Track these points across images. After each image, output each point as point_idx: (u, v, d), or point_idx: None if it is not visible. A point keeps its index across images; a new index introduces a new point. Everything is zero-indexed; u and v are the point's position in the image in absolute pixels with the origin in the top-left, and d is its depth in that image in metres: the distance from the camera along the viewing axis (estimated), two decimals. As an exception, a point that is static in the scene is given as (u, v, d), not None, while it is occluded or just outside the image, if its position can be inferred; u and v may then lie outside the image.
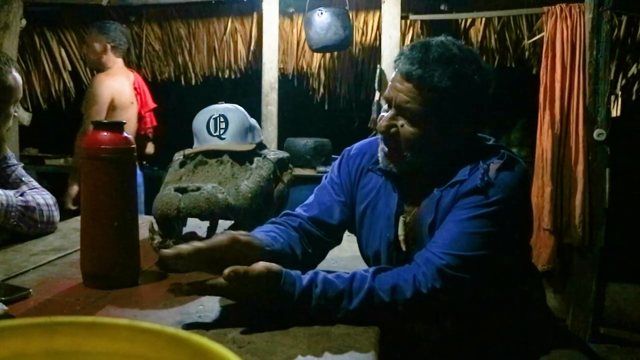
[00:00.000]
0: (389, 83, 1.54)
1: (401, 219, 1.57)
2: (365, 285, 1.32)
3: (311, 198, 1.71)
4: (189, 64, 4.83)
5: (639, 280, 3.93)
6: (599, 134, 3.51)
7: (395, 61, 1.53)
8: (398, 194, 1.59)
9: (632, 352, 3.37)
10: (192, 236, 1.61)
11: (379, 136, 1.57)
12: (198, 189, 1.59)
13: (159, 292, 1.39)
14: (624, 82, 4.05)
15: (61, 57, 4.81)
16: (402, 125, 1.49)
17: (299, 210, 1.67)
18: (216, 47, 4.72)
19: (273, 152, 1.94)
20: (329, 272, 1.36)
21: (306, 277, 1.31)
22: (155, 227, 1.60)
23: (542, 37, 3.81)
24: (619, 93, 4.15)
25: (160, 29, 4.78)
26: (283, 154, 1.98)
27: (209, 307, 1.30)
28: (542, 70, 3.68)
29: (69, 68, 4.84)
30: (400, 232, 1.57)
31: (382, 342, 1.23)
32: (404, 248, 1.56)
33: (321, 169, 4.18)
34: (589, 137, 3.54)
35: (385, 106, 1.56)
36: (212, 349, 0.46)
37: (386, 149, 1.55)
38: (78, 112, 3.90)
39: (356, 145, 1.75)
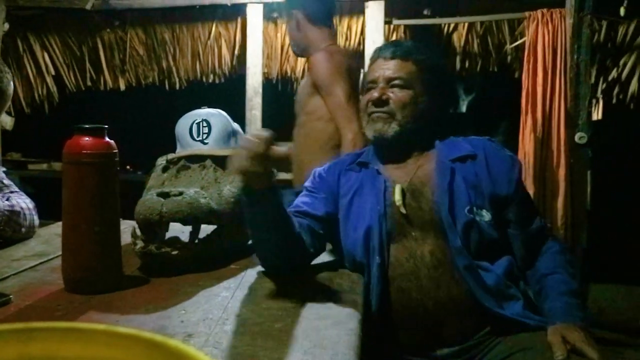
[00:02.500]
0: (370, 72, 1.86)
1: (397, 186, 1.73)
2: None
3: (303, 199, 1.84)
4: (173, 69, 4.81)
5: (621, 281, 3.97)
6: (580, 137, 3.54)
7: (373, 56, 1.89)
8: (383, 175, 1.78)
9: (615, 352, 3.40)
10: (175, 241, 1.60)
11: (367, 111, 1.83)
12: (180, 193, 1.59)
13: (141, 297, 1.39)
14: (604, 85, 4.09)
15: (44, 61, 4.78)
16: (392, 92, 1.78)
17: (291, 208, 1.78)
18: (200, 51, 4.71)
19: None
20: None
21: None
22: (138, 231, 1.60)
23: (524, 41, 3.84)
24: (600, 97, 4.20)
25: (144, 33, 4.75)
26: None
27: (191, 311, 1.30)
28: (524, 75, 3.70)
29: (53, 72, 4.81)
30: (398, 197, 1.71)
31: (365, 347, 1.24)
32: (403, 211, 1.70)
33: (305, 173, 4.17)
34: (570, 140, 3.57)
35: (369, 86, 1.84)
36: (189, 353, 0.47)
37: (376, 115, 1.79)
38: (62, 116, 3.87)
39: (326, 164, 1.96)
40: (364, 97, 1.86)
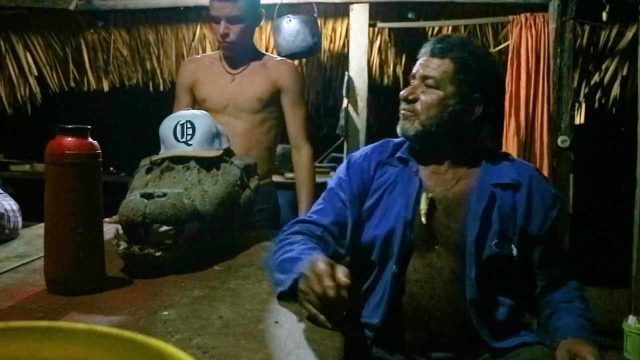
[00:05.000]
0: (415, 67, 1.78)
1: (424, 195, 1.68)
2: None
3: (321, 203, 1.82)
4: (157, 70, 4.80)
5: (603, 284, 4.00)
6: (562, 140, 3.57)
7: (421, 50, 1.78)
8: (418, 178, 1.73)
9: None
10: (159, 242, 1.60)
11: (400, 106, 1.76)
12: (164, 194, 1.58)
13: (123, 298, 1.38)
14: (587, 90, 4.14)
15: (27, 61, 4.74)
16: (422, 92, 1.71)
17: (314, 217, 1.76)
18: (185, 53, 4.69)
19: (240, 159, 1.94)
20: None
21: None
22: (121, 232, 1.59)
23: (508, 45, 3.86)
24: (583, 101, 4.24)
25: (128, 34, 4.73)
26: (250, 160, 1.98)
27: (174, 313, 1.30)
28: (508, 78, 3.73)
29: (35, 73, 4.77)
30: (423, 206, 1.66)
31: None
32: (423, 221, 1.65)
33: (289, 175, 4.17)
34: (553, 144, 3.60)
35: (410, 80, 1.78)
36: (169, 352, 0.47)
37: (403, 112, 1.74)
38: (44, 117, 3.85)
39: (364, 148, 1.91)
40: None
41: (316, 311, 1.28)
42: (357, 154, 1.87)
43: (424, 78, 1.71)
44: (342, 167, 1.86)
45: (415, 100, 1.72)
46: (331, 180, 1.87)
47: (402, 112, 1.75)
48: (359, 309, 1.73)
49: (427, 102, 1.69)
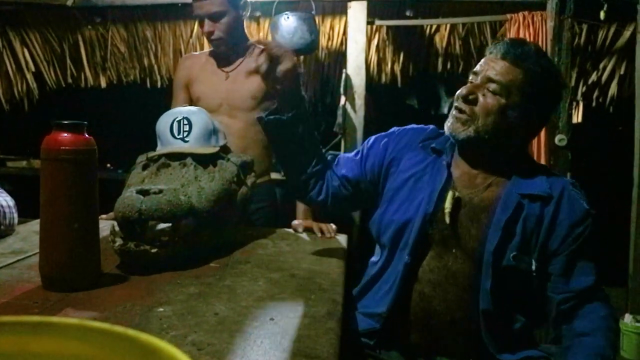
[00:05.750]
0: (480, 62, 1.67)
1: (450, 193, 1.64)
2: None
3: (343, 155, 1.92)
4: (155, 67, 4.79)
5: (603, 283, 4.00)
6: (560, 139, 3.57)
7: (489, 48, 1.67)
8: (447, 173, 1.68)
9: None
10: (155, 238, 1.59)
11: (455, 103, 1.66)
12: (160, 191, 1.58)
13: (119, 295, 1.38)
14: (584, 88, 4.13)
15: (24, 57, 4.73)
16: (484, 95, 1.60)
17: (336, 162, 1.89)
18: (182, 49, 4.68)
19: (236, 156, 1.93)
20: None
21: None
22: (117, 229, 1.59)
23: (506, 43, 3.85)
24: (580, 99, 4.24)
25: (125, 30, 4.73)
26: (247, 157, 1.98)
27: (169, 309, 1.29)
28: (506, 76, 3.72)
29: (33, 69, 4.77)
30: (447, 205, 1.62)
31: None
32: (447, 220, 1.62)
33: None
34: (550, 143, 3.60)
35: (470, 78, 1.67)
36: (160, 347, 0.47)
37: (459, 114, 1.63)
38: (41, 113, 3.84)
39: (407, 126, 1.87)
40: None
41: None
42: (400, 128, 1.87)
43: (489, 80, 1.60)
44: (383, 134, 1.88)
45: (475, 101, 1.61)
46: (369, 140, 1.90)
47: (457, 113, 1.64)
48: (365, 299, 1.73)
49: (487, 107, 1.59)
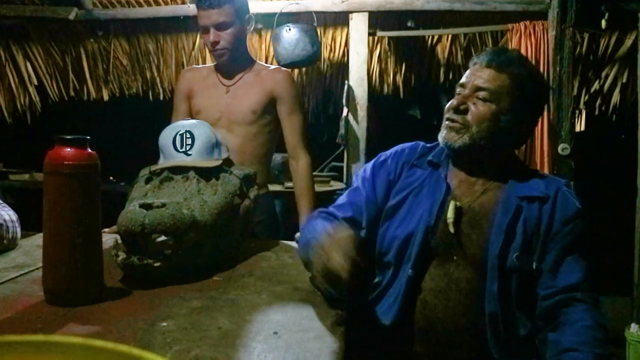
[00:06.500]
0: (465, 74, 1.73)
1: (452, 203, 1.66)
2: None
3: (343, 199, 1.82)
4: (157, 79, 4.80)
5: (604, 292, 3.98)
6: (563, 148, 3.57)
7: (472, 60, 1.74)
8: (446, 184, 1.71)
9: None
10: (158, 252, 1.59)
11: (446, 115, 1.71)
12: (163, 205, 1.57)
13: (122, 309, 1.38)
14: (587, 97, 4.14)
15: (27, 71, 4.75)
16: (474, 103, 1.66)
17: (333, 210, 1.78)
18: (184, 62, 4.70)
19: (239, 168, 1.93)
20: None
21: None
22: (120, 243, 1.59)
23: (507, 53, 3.86)
24: (583, 108, 4.24)
25: (128, 43, 4.74)
26: (249, 170, 1.98)
27: (173, 324, 1.29)
28: (508, 86, 3.72)
29: (35, 82, 4.78)
30: (450, 215, 1.64)
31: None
32: (451, 230, 1.63)
33: (289, 184, 4.16)
34: (553, 152, 3.60)
35: (458, 90, 1.72)
36: (165, 367, 0.46)
37: (452, 123, 1.68)
38: (44, 126, 3.85)
39: (395, 147, 1.88)
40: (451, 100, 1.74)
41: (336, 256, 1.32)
42: (387, 153, 1.86)
43: (478, 89, 1.66)
44: (369, 165, 1.86)
45: (466, 111, 1.66)
46: (357, 175, 1.87)
47: (449, 122, 1.69)
48: (369, 313, 1.72)
49: (479, 114, 1.64)
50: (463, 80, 1.72)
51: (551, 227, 1.63)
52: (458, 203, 1.67)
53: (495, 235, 1.60)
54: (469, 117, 1.65)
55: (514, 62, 1.67)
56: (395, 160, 1.81)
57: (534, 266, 1.60)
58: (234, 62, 2.60)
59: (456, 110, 1.67)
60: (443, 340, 1.63)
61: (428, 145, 1.83)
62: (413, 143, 1.86)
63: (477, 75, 1.67)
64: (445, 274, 1.64)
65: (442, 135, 1.71)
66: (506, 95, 1.64)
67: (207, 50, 4.65)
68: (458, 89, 1.72)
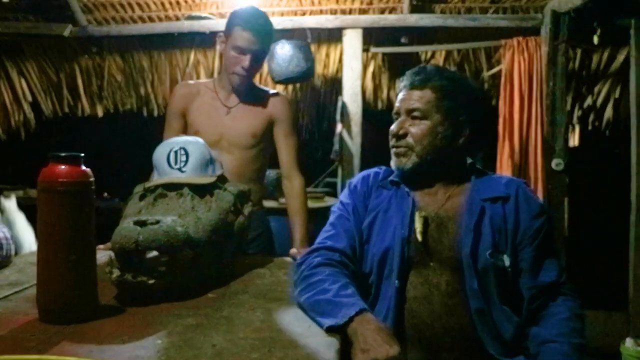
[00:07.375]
0: (396, 103, 1.85)
1: (417, 214, 1.74)
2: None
3: (333, 229, 1.83)
4: (151, 95, 4.82)
5: (600, 307, 3.99)
6: (557, 163, 3.58)
7: (398, 87, 1.87)
8: (412, 198, 1.78)
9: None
10: (152, 269, 1.58)
11: (390, 144, 1.83)
12: (157, 222, 1.57)
13: (116, 327, 1.37)
14: (580, 112, 4.16)
15: (21, 87, 4.76)
16: (411, 125, 1.77)
17: (329, 243, 1.78)
18: (179, 78, 4.71)
19: (233, 185, 1.93)
20: None
21: None
22: (114, 260, 1.58)
23: (501, 69, 3.89)
24: (576, 123, 4.26)
25: (122, 60, 4.76)
26: (243, 187, 1.97)
27: (167, 341, 1.28)
28: (501, 102, 3.75)
29: (30, 99, 4.78)
30: (418, 225, 1.71)
31: None
32: (420, 239, 1.69)
33: (283, 200, 4.15)
34: (547, 167, 3.61)
35: (395, 118, 1.84)
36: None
37: (397, 149, 1.80)
38: (38, 143, 3.84)
39: (361, 173, 1.97)
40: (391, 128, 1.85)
41: None
42: (355, 179, 1.93)
43: (410, 111, 1.78)
44: (345, 193, 1.92)
45: (405, 135, 1.78)
46: (335, 207, 1.91)
47: (395, 149, 1.81)
48: None
49: (418, 134, 1.76)
50: (395, 108, 1.84)
51: (519, 224, 1.71)
52: (424, 213, 1.74)
53: (465, 236, 1.67)
54: (409, 139, 1.77)
55: (433, 76, 1.78)
56: (365, 184, 1.88)
57: (508, 262, 1.66)
58: (244, 86, 2.59)
59: (397, 136, 1.79)
60: (435, 344, 1.65)
61: (386, 168, 1.92)
62: (376, 168, 1.95)
63: (404, 99, 1.80)
64: (425, 280, 1.69)
65: (393, 162, 1.83)
66: (435, 108, 1.75)
67: (201, 67, 4.68)
68: (395, 117, 1.83)
